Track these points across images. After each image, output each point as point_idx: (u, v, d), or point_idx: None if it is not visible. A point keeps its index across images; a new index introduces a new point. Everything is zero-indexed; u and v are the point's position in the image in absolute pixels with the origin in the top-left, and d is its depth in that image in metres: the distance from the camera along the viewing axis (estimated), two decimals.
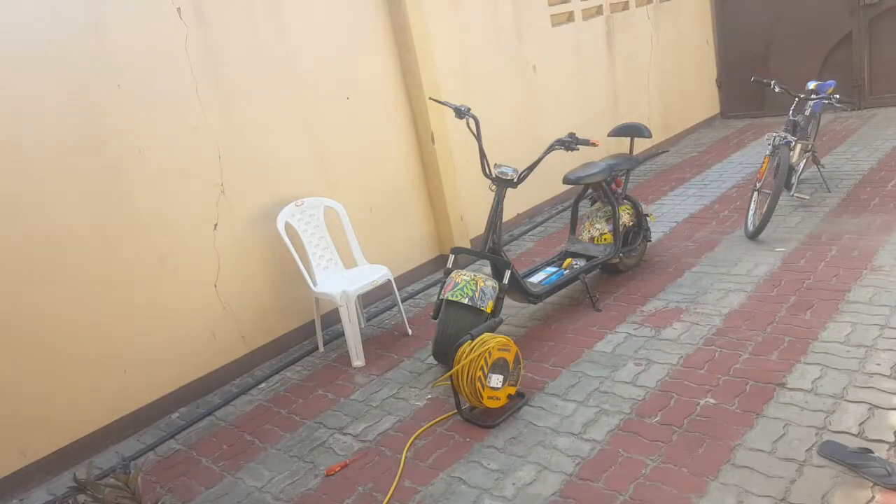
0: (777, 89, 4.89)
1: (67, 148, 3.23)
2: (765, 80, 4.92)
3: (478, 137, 3.74)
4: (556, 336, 3.78)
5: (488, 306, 3.38)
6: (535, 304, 3.93)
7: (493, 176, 3.70)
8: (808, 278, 3.86)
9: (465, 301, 3.36)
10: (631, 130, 4.42)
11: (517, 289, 3.75)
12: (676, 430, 2.76)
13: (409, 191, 4.95)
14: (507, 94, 5.64)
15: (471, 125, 3.76)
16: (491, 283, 3.46)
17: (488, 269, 3.93)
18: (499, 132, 5.26)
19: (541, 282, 4.02)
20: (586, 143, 3.76)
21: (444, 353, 3.41)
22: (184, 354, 3.73)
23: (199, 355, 3.80)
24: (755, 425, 2.69)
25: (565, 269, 4.16)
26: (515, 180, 3.68)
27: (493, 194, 3.71)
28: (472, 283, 3.42)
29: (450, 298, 3.41)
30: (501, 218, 3.69)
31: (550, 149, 3.77)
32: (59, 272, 3.25)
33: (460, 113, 3.80)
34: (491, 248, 3.65)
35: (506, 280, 3.57)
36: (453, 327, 3.37)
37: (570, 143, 3.76)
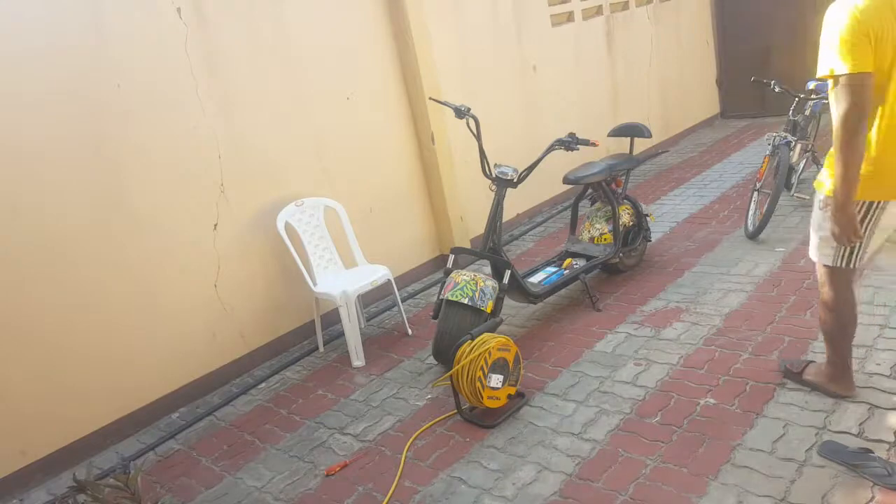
0: (777, 89, 4.89)
1: (67, 148, 3.23)
2: (765, 80, 4.92)
3: (478, 137, 3.74)
4: (556, 336, 3.78)
5: (488, 306, 3.38)
6: (535, 304, 3.93)
7: (493, 176, 3.70)
8: (807, 278, 3.86)
9: (465, 301, 3.36)
10: (631, 130, 4.42)
11: (517, 289, 3.75)
12: (676, 430, 2.76)
13: (409, 191, 4.95)
14: (507, 94, 5.64)
15: (471, 125, 3.76)
16: (491, 283, 3.46)
17: (488, 269, 3.92)
18: (499, 132, 5.26)
19: (541, 282, 4.02)
20: (586, 143, 3.76)
21: (445, 353, 3.41)
22: (184, 354, 3.73)
23: (199, 355, 3.80)
24: (755, 425, 2.69)
25: (565, 269, 4.16)
26: (515, 180, 3.69)
27: (493, 194, 3.71)
28: (472, 283, 3.42)
29: (450, 298, 3.41)
30: (501, 218, 3.69)
31: (550, 149, 3.78)
32: (59, 272, 3.25)
33: (460, 113, 3.80)
34: (491, 248, 3.65)
35: (506, 280, 3.57)
36: (453, 327, 3.37)
37: (569, 143, 3.76)
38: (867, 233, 2.43)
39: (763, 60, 7.92)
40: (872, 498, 2.23)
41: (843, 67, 2.18)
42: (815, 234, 2.57)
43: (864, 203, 2.38)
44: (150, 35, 3.47)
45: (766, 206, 4.48)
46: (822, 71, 2.28)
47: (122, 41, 3.37)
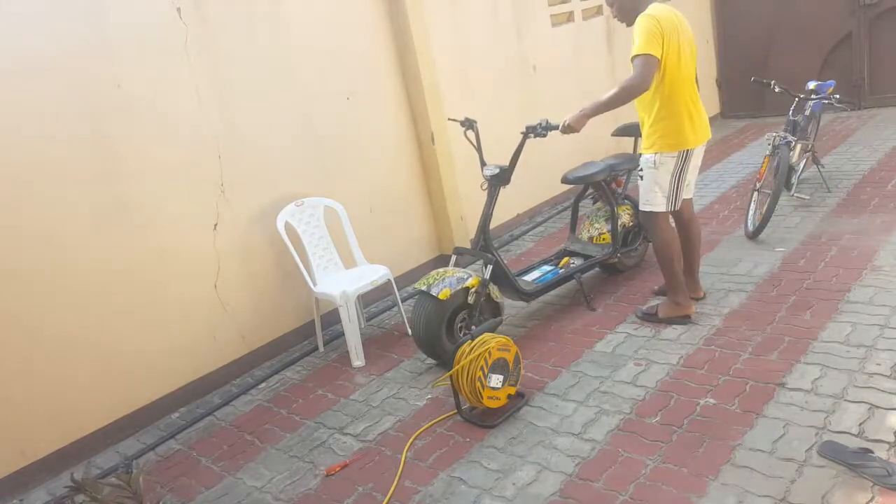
0: (777, 89, 4.89)
1: (67, 148, 3.23)
2: (765, 81, 4.91)
3: (478, 149, 3.78)
4: (556, 336, 3.78)
5: (441, 293, 3.43)
6: (527, 301, 3.95)
7: (485, 176, 3.74)
8: (808, 278, 3.86)
9: (423, 288, 3.48)
10: (634, 130, 4.40)
11: (509, 286, 3.77)
12: (676, 430, 2.76)
13: (409, 191, 4.95)
14: (507, 94, 5.64)
15: (470, 137, 3.80)
16: (458, 276, 3.52)
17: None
18: (498, 132, 5.23)
19: (534, 280, 4.03)
20: (557, 128, 3.61)
21: (419, 341, 3.57)
22: (184, 354, 3.73)
23: (199, 355, 3.80)
24: (755, 425, 2.69)
25: (561, 268, 4.17)
26: (502, 176, 3.68)
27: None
28: (438, 274, 3.53)
29: (415, 287, 3.58)
30: (491, 216, 3.73)
31: (524, 138, 3.72)
32: (60, 272, 3.24)
33: (469, 124, 3.83)
34: (482, 245, 3.68)
35: (487, 275, 3.58)
36: (417, 314, 3.51)
37: (536, 128, 3.64)
38: (683, 177, 3.47)
39: (763, 60, 7.92)
40: (872, 498, 2.23)
41: (640, 50, 3.17)
42: (652, 189, 3.49)
43: (680, 153, 3.40)
44: (150, 35, 3.47)
45: (766, 207, 4.48)
46: (632, 52, 3.22)
47: (122, 41, 3.37)
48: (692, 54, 3.43)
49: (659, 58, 3.18)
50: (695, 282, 3.82)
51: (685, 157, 3.41)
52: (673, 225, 3.68)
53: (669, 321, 3.61)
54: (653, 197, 3.50)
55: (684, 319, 3.60)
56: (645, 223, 3.70)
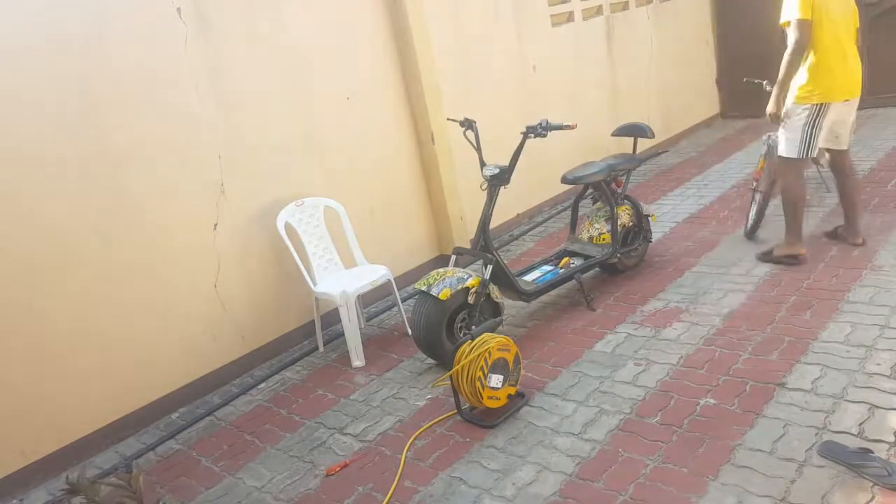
0: (768, 88, 4.86)
1: (67, 148, 3.23)
2: (756, 81, 4.88)
3: (477, 149, 3.77)
4: (556, 336, 3.78)
5: (442, 293, 3.43)
6: (527, 301, 3.95)
7: (485, 176, 3.74)
8: (807, 278, 3.86)
9: (424, 288, 3.48)
10: (634, 130, 4.41)
11: (508, 286, 3.77)
12: (676, 430, 2.76)
13: (409, 191, 4.95)
14: (507, 94, 5.64)
15: (469, 137, 3.79)
16: (458, 276, 3.52)
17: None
18: (498, 132, 5.25)
19: (534, 280, 4.03)
20: (559, 127, 3.63)
21: (419, 342, 3.57)
22: (184, 354, 3.73)
23: (199, 355, 3.80)
24: (755, 425, 2.69)
25: (561, 268, 4.17)
26: (502, 176, 3.68)
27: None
28: (439, 275, 3.53)
29: (415, 287, 3.58)
30: (490, 216, 3.72)
31: (524, 138, 3.73)
32: (59, 272, 3.24)
33: (468, 124, 3.83)
34: (482, 245, 3.68)
35: (487, 275, 3.58)
36: (417, 314, 3.52)
37: (535, 129, 3.65)
38: (816, 129, 3.76)
39: (763, 61, 7.88)
40: (872, 498, 2.23)
41: (796, 15, 3.65)
42: (786, 137, 3.88)
43: (812, 106, 3.73)
44: (150, 35, 3.47)
45: (761, 207, 4.48)
46: (784, 18, 3.72)
47: (122, 41, 3.37)
48: (851, 11, 3.76)
49: (809, 19, 3.60)
50: (855, 230, 4.14)
51: (818, 110, 3.71)
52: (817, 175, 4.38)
53: (780, 261, 4.05)
54: (786, 144, 3.87)
55: (794, 259, 4.00)
56: (777, 169, 4.13)
